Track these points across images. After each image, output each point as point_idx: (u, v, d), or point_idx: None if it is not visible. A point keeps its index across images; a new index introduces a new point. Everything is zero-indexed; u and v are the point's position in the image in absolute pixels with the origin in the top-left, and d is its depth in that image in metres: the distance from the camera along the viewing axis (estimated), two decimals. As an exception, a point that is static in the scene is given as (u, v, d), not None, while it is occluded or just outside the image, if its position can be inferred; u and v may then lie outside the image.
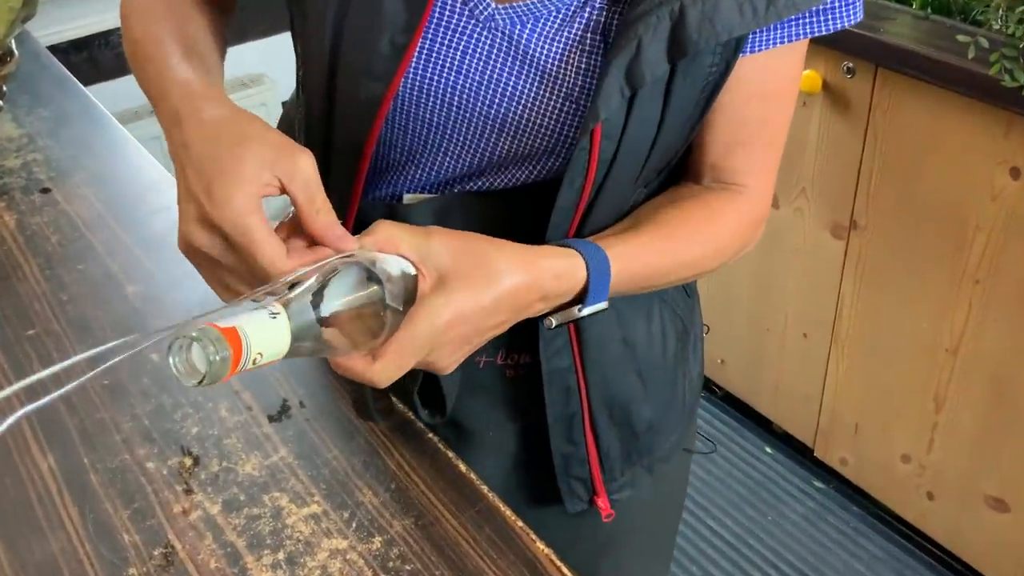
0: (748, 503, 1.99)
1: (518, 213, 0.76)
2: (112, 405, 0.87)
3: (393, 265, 0.61)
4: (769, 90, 0.74)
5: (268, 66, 2.31)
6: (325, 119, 0.75)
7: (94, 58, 2.10)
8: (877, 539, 1.90)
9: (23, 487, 0.79)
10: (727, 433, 2.14)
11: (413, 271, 0.63)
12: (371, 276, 0.59)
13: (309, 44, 0.74)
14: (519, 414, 0.86)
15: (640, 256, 0.72)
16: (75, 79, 1.46)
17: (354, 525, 0.75)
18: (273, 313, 0.54)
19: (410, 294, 0.62)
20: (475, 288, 0.62)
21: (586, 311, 0.70)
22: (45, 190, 1.19)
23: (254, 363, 0.53)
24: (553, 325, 0.72)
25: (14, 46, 1.24)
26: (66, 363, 0.53)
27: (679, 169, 0.79)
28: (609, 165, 0.69)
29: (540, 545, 0.73)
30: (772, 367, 2.00)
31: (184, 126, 0.63)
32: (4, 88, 1.25)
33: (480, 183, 0.76)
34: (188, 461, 0.81)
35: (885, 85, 1.55)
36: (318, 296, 0.57)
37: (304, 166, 0.60)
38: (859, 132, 1.62)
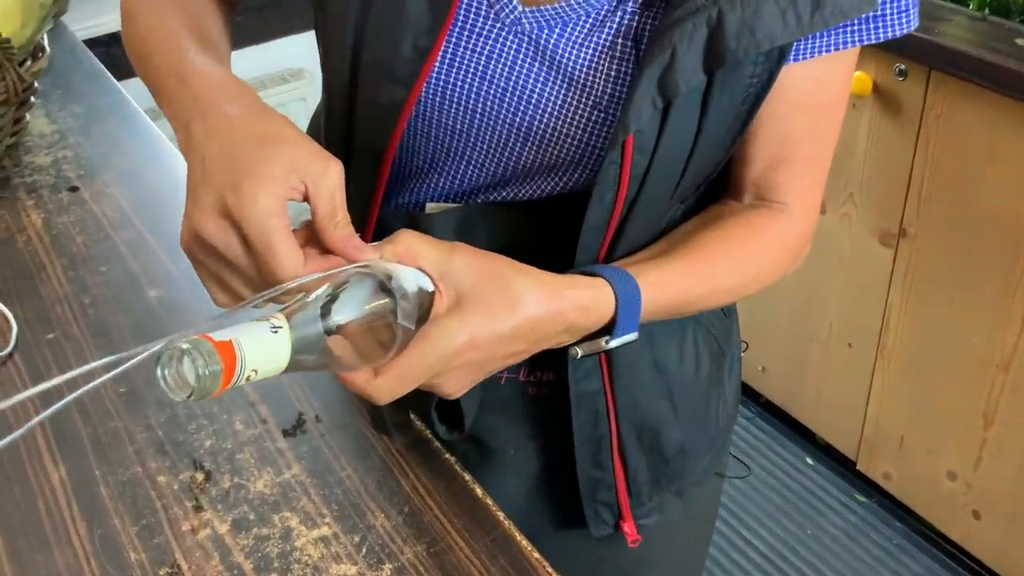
0: (786, 515, 1.94)
1: (544, 226, 0.72)
2: (127, 414, 0.85)
3: (410, 280, 0.58)
4: (816, 102, 0.70)
5: (309, 60, 2.30)
6: (346, 122, 0.72)
7: (135, 51, 2.10)
8: (920, 557, 1.84)
9: (33, 498, 0.77)
10: (766, 442, 2.09)
11: (430, 287, 0.59)
12: (384, 289, 0.56)
13: (330, 44, 0.71)
14: (541, 433, 0.82)
15: (673, 285, 0.68)
16: (109, 74, 1.45)
17: (364, 550, 0.72)
18: (275, 327, 0.51)
19: (424, 311, 0.59)
20: (493, 315, 0.59)
21: (613, 343, 0.66)
22: (73, 188, 1.18)
23: (247, 380, 0.50)
24: (579, 356, 0.68)
25: (46, 42, 1.24)
26: (82, 369, 0.50)
27: (718, 184, 0.75)
28: (642, 180, 0.65)
29: (556, 579, 0.70)
30: (815, 376, 1.95)
31: (208, 117, 0.60)
32: (36, 84, 1.24)
33: (504, 193, 0.73)
34: (200, 476, 0.79)
35: (939, 89, 1.48)
36: (326, 308, 0.54)
37: (333, 175, 0.58)
38: (910, 137, 1.55)
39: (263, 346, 0.50)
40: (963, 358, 1.63)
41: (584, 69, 0.66)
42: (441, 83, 0.68)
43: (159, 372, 0.48)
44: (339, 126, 0.73)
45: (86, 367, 0.49)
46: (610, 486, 0.80)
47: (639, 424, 0.78)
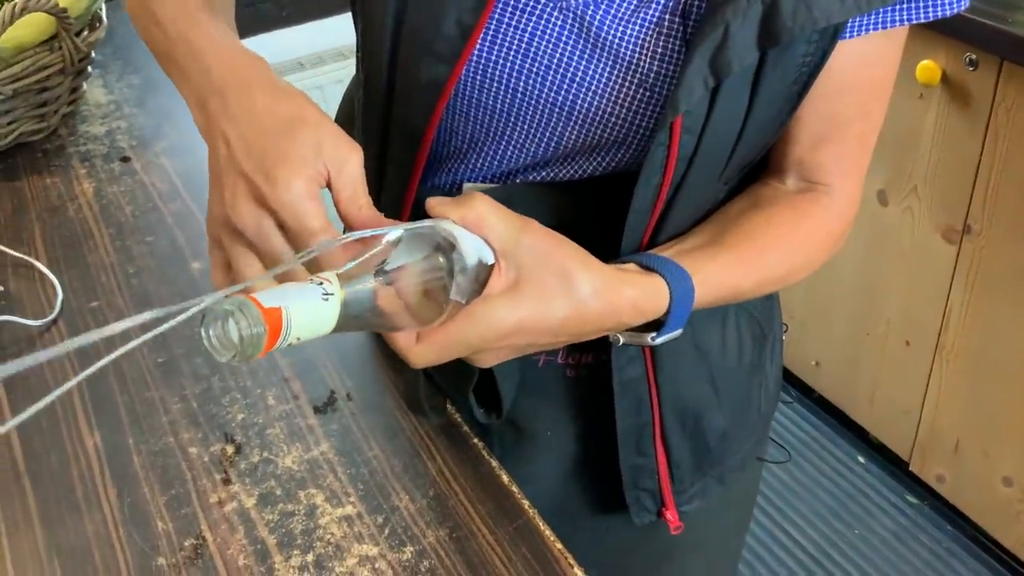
0: (835, 514, 1.90)
1: (586, 208, 0.71)
2: (163, 384, 0.86)
3: (471, 252, 0.56)
4: (864, 81, 0.67)
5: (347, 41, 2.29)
6: (385, 101, 0.71)
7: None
8: (971, 563, 1.78)
9: (67, 464, 0.78)
10: (818, 439, 2.05)
11: (490, 261, 0.57)
12: (442, 252, 0.54)
13: (371, 21, 0.70)
14: (579, 416, 0.81)
15: (725, 279, 0.66)
16: (167, 47, 1.47)
17: (387, 532, 0.72)
18: (326, 294, 0.49)
19: (479, 284, 0.57)
20: (547, 305, 0.57)
21: (659, 340, 0.65)
22: (125, 159, 1.19)
23: (290, 345, 0.49)
24: (620, 343, 0.67)
25: (104, 12, 1.25)
26: (123, 324, 0.49)
27: (761, 163, 0.73)
28: (689, 162, 0.63)
29: (578, 571, 0.68)
30: (870, 374, 1.90)
31: (227, 96, 0.59)
32: (93, 54, 1.26)
33: (545, 174, 0.71)
34: (230, 449, 0.80)
35: (1011, 80, 1.42)
36: (379, 268, 0.52)
37: (354, 164, 0.57)
38: (979, 130, 1.50)
39: (311, 314, 0.49)
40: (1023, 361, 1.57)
41: (630, 47, 0.64)
42: (483, 61, 0.67)
43: (204, 332, 0.47)
44: (378, 104, 0.72)
45: (127, 322, 0.47)
46: (652, 473, 0.79)
47: (681, 410, 0.77)
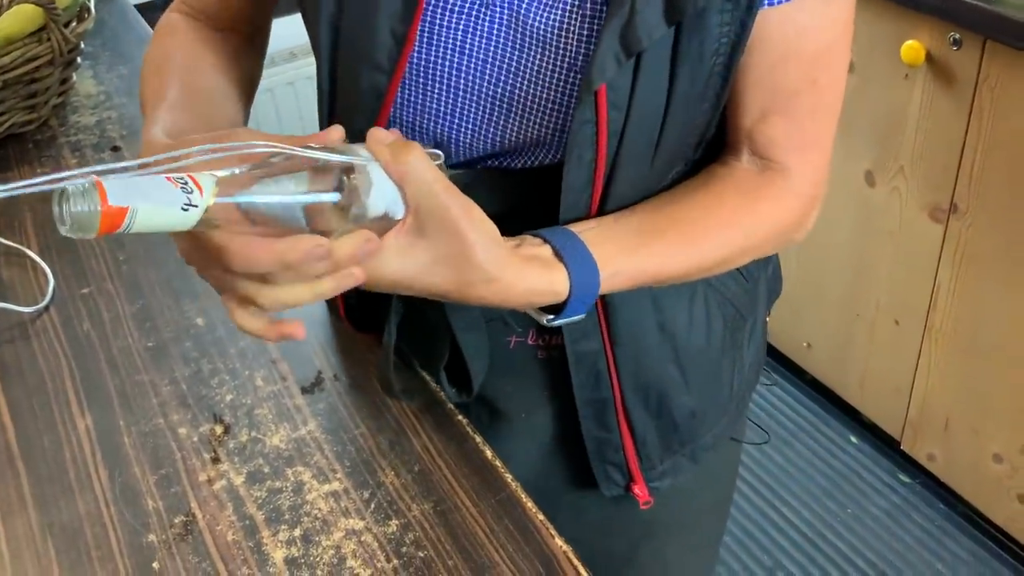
0: (828, 494, 1.91)
1: (532, 193, 0.71)
2: (153, 367, 0.87)
3: (377, 204, 0.55)
4: (804, 51, 0.66)
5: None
6: (330, 109, 0.72)
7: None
8: (963, 540, 1.80)
9: (59, 446, 0.80)
10: (810, 419, 2.06)
11: (397, 216, 0.57)
12: (342, 193, 0.54)
13: (312, 32, 0.70)
14: (553, 396, 0.82)
15: (649, 267, 0.66)
16: (156, 37, 1.48)
17: (372, 506, 0.73)
18: (188, 205, 0.49)
19: (375, 230, 0.57)
20: (434, 273, 0.58)
21: (556, 323, 0.65)
22: (115, 148, 1.20)
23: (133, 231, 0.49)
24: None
25: (92, 3, 1.26)
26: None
27: (719, 143, 0.73)
28: (620, 138, 0.63)
29: (559, 541, 0.70)
30: (861, 354, 1.91)
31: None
32: (83, 45, 1.27)
33: (488, 163, 0.72)
34: (219, 429, 0.81)
35: (994, 59, 1.43)
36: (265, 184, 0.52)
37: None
38: (964, 109, 1.51)
39: (163, 217, 0.49)
40: (1013, 338, 1.58)
41: (556, 31, 0.64)
42: (422, 65, 0.67)
43: (55, 203, 0.47)
44: (327, 112, 0.73)
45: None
46: (617, 447, 0.80)
47: (644, 388, 0.77)
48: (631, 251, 0.65)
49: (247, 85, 0.79)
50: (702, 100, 0.65)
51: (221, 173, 0.51)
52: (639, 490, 0.81)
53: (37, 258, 1.00)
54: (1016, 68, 1.41)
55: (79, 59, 1.27)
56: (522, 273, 0.61)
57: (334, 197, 0.54)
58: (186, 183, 0.50)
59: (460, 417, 0.80)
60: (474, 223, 0.58)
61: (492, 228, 0.60)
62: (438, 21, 0.66)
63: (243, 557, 0.70)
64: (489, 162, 0.72)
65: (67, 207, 0.47)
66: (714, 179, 0.71)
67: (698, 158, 0.72)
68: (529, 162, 0.71)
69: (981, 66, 1.45)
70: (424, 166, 0.57)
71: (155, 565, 0.70)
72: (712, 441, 0.85)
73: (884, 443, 1.97)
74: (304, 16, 0.72)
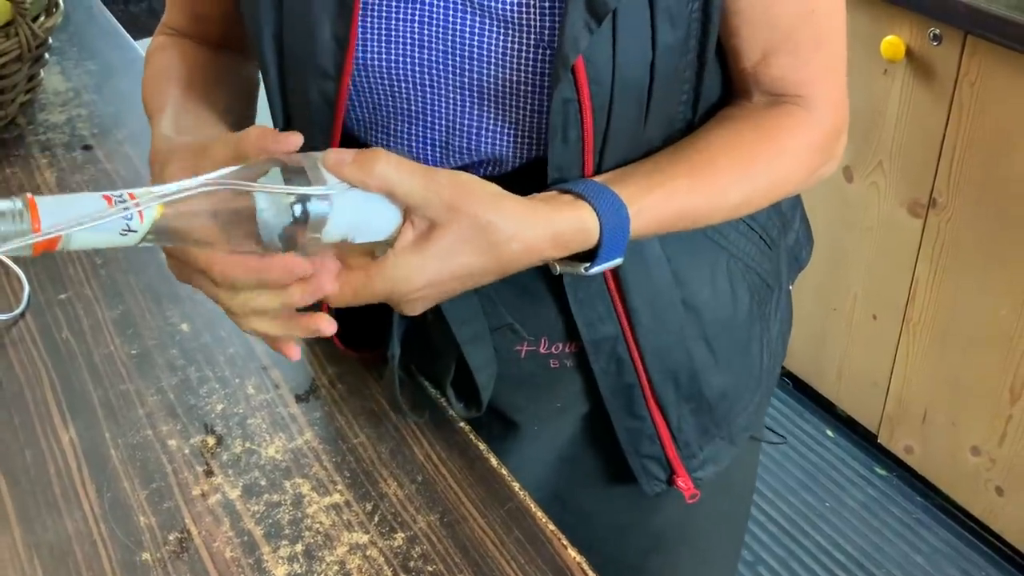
0: (806, 488, 1.92)
1: (512, 185, 0.69)
2: (138, 376, 0.84)
3: (336, 230, 0.55)
4: None
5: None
6: (284, 120, 0.70)
7: (153, 8, 2.08)
8: (940, 532, 1.81)
9: (43, 461, 0.76)
10: (787, 414, 2.07)
11: (390, 228, 0.57)
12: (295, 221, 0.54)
13: (256, 45, 0.68)
14: (567, 407, 0.79)
15: (674, 205, 0.64)
16: (124, 32, 1.43)
17: (376, 519, 0.71)
18: (127, 231, 0.50)
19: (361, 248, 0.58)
20: (460, 256, 0.57)
21: (594, 270, 0.63)
22: (87, 147, 1.16)
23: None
24: (557, 272, 0.65)
25: (61, -2, 1.21)
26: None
27: (728, 91, 0.71)
28: (608, 111, 0.61)
29: (572, 552, 0.68)
30: (838, 348, 1.92)
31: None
32: (50, 40, 1.22)
33: (467, 158, 0.68)
34: (211, 440, 0.78)
35: (975, 54, 1.44)
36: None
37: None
38: (943, 104, 1.51)
39: (100, 240, 0.50)
40: (990, 332, 1.59)
41: (516, 8, 0.61)
42: (375, 62, 0.64)
43: None
44: (281, 124, 0.70)
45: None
46: (652, 438, 0.76)
47: (674, 370, 0.74)
48: (652, 188, 0.63)
49: (237, 100, 0.76)
50: (684, 51, 0.63)
51: (173, 187, 0.52)
52: (683, 482, 0.78)
53: (10, 263, 0.96)
54: (996, 63, 1.42)
55: (47, 55, 1.23)
56: (545, 217, 0.59)
57: (288, 222, 0.54)
58: (124, 202, 0.50)
59: (462, 424, 0.78)
60: (471, 191, 0.57)
61: (492, 187, 0.59)
62: (383, 13, 0.63)
63: (243, 575, 0.67)
64: (465, 158, 0.69)
65: None
66: (728, 119, 0.68)
67: (696, 122, 0.69)
68: (512, 160, 0.67)
69: (961, 61, 1.46)
70: (394, 168, 0.56)
71: (150, 585, 0.67)
72: (746, 423, 0.82)
73: (861, 436, 1.98)
74: (248, 36, 0.69)
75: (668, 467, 0.78)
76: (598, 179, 0.64)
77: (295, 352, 0.61)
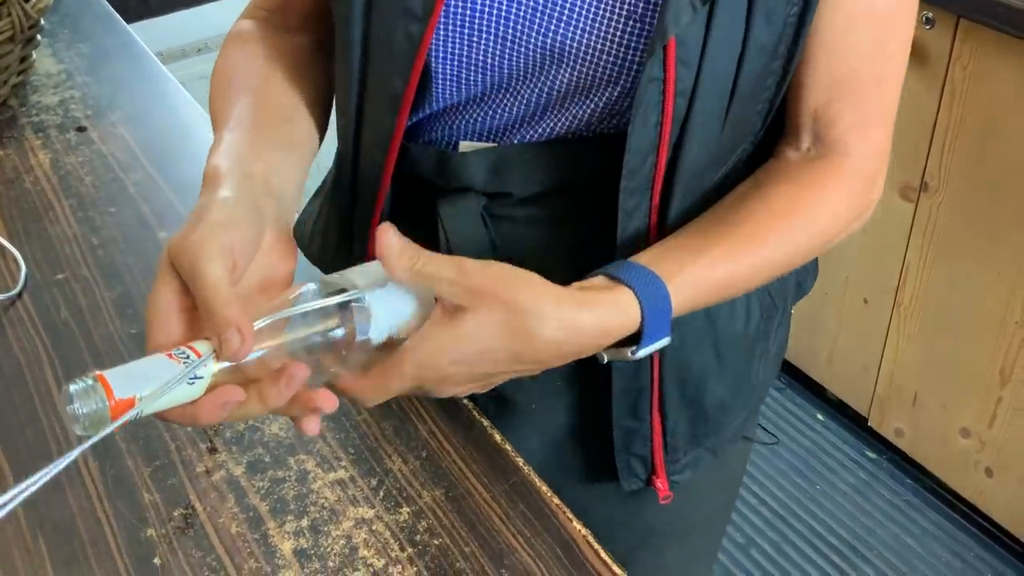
0: (797, 471, 1.93)
1: (585, 168, 0.69)
2: (138, 355, 0.83)
3: (382, 326, 0.57)
4: (877, 10, 0.64)
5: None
6: (360, 61, 0.69)
7: (143, -6, 2.06)
8: (931, 514, 1.83)
9: (44, 439, 0.76)
10: (777, 398, 2.08)
11: (403, 332, 0.58)
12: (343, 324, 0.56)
13: None
14: (567, 388, 0.79)
15: (714, 277, 0.63)
16: (117, 15, 1.42)
17: (381, 493, 0.71)
18: (194, 378, 0.52)
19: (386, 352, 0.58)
20: (494, 338, 0.57)
21: (641, 353, 0.62)
22: (81, 128, 1.15)
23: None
24: (605, 360, 0.64)
25: (53, -22, 1.20)
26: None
27: (778, 132, 0.71)
28: (690, 99, 0.61)
29: (577, 525, 0.68)
30: (829, 332, 1.93)
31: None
32: (42, 22, 1.21)
33: (541, 129, 0.69)
34: (213, 418, 0.78)
35: (967, 38, 1.45)
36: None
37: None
38: (935, 88, 1.52)
39: (168, 398, 0.51)
40: (981, 315, 1.61)
41: None
42: (462, 10, 0.65)
43: (66, 407, 0.50)
44: (358, 68, 0.69)
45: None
46: (645, 439, 0.77)
47: (684, 378, 0.75)
48: (692, 260, 0.63)
49: (321, 94, 0.75)
50: (774, 57, 0.63)
51: None
52: (660, 483, 0.79)
53: (7, 243, 0.95)
54: (988, 47, 1.43)
55: (39, 36, 1.22)
56: (584, 308, 0.58)
57: (338, 333, 0.56)
58: (188, 357, 0.52)
59: (466, 401, 0.78)
60: (501, 277, 0.57)
61: (527, 273, 0.58)
62: None
63: (249, 550, 0.67)
64: (529, 129, 0.69)
65: (76, 407, 0.49)
66: (767, 176, 0.68)
67: (761, 139, 0.70)
68: (573, 124, 0.67)
69: (953, 45, 1.46)
70: (425, 258, 0.56)
71: (156, 561, 0.67)
72: (732, 435, 0.83)
73: (852, 420, 2.00)
74: None
75: (650, 467, 0.79)
76: (633, 258, 0.63)
77: (311, 428, 0.58)
